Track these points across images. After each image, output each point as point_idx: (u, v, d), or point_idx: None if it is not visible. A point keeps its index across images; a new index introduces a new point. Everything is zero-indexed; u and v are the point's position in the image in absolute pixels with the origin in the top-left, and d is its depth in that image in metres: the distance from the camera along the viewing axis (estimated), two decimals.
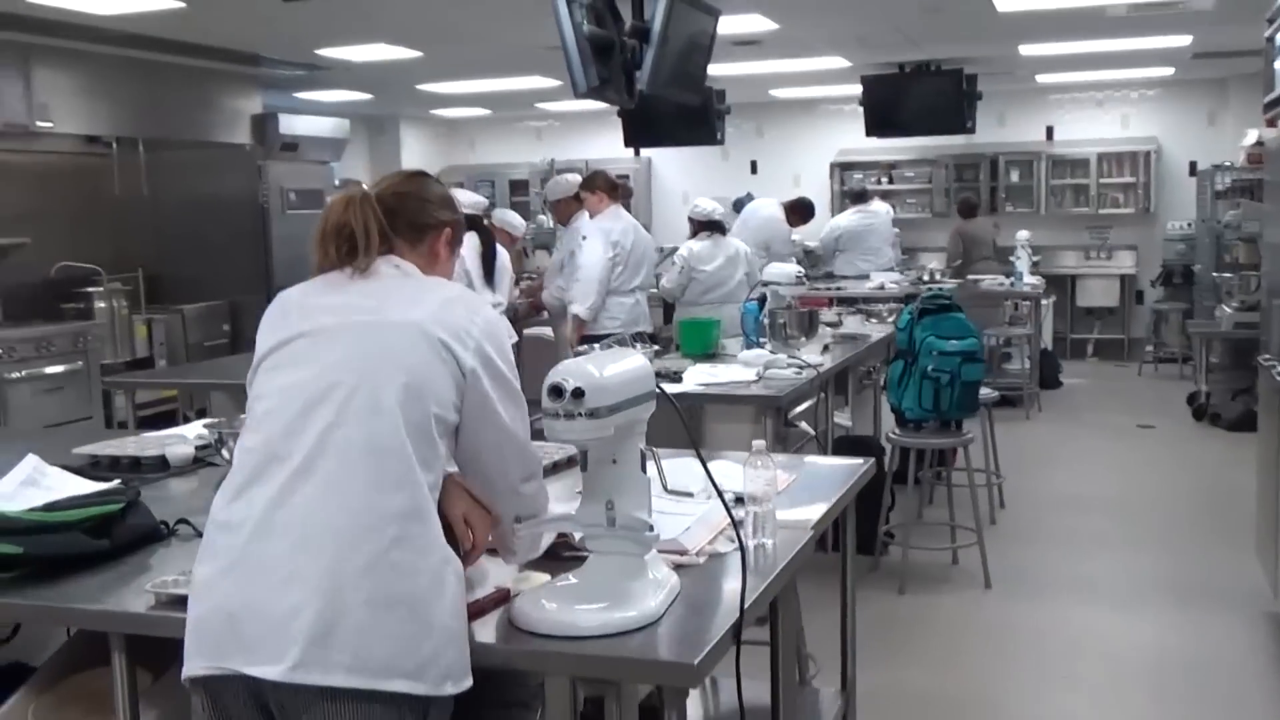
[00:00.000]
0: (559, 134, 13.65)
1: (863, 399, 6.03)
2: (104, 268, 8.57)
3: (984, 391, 5.84)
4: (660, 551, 2.27)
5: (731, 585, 2.17)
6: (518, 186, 13.38)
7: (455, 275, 5.98)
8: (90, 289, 8.43)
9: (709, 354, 5.43)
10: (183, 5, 6.43)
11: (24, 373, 7.52)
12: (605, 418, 1.98)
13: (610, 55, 5.73)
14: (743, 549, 2.17)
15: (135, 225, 9.38)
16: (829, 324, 6.65)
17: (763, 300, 5.38)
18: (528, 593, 2.09)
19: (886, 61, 9.64)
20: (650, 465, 2.15)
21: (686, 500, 2.50)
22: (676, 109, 10.26)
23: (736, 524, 2.20)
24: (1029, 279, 9.43)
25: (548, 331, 7.63)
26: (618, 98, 5.98)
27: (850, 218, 10.59)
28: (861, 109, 10.02)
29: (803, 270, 5.32)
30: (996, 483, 6.17)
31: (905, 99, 9.82)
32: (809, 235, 12.17)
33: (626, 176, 13.13)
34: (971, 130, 9.99)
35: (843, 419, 5.67)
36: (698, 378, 4.69)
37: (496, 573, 2.24)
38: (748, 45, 8.51)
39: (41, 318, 8.17)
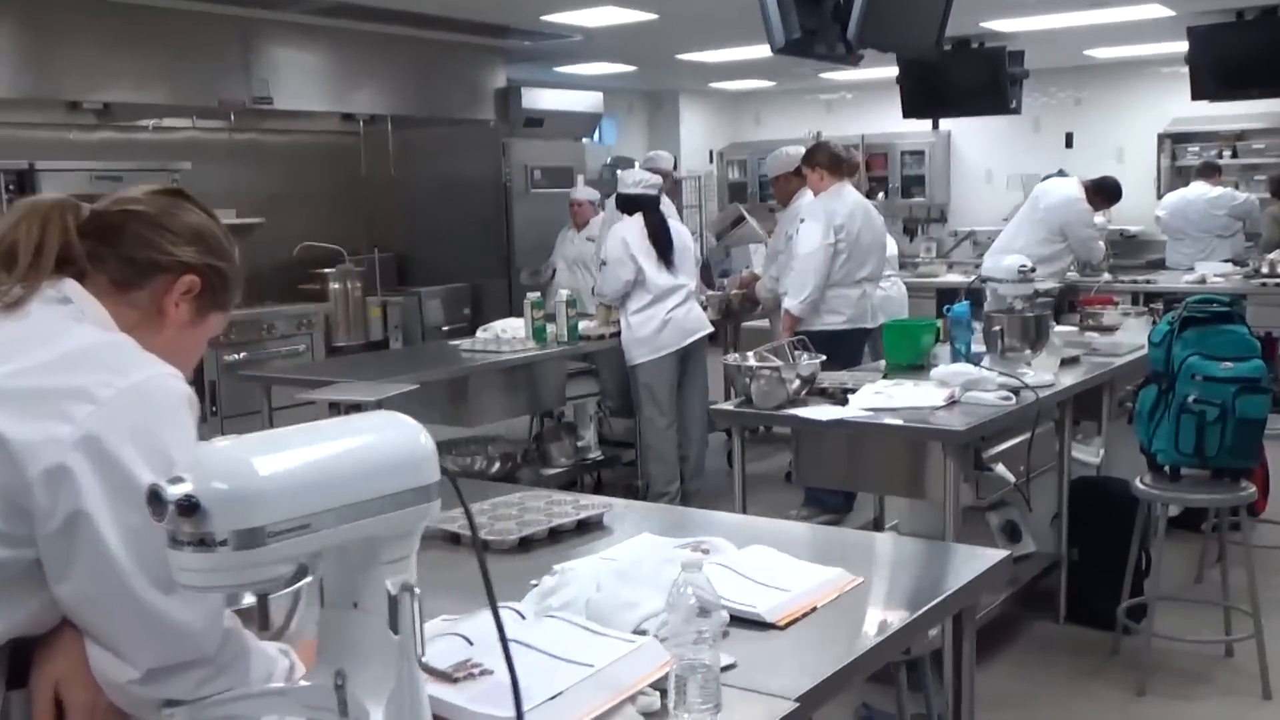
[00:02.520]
0: (851, 106, 12.55)
1: (1123, 428, 4.74)
2: (350, 249, 8.38)
3: None
4: None
5: None
6: None
7: (618, 261, 5.28)
8: (326, 270, 8.25)
9: (919, 365, 4.39)
10: None
11: (242, 355, 7.37)
12: (267, 546, 1.12)
13: (819, 1, 4.79)
14: None
15: (383, 206, 9.20)
16: (1105, 328, 5.41)
17: (979, 299, 4.27)
18: None
19: (1220, 9, 7.99)
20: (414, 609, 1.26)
21: (592, 637, 1.60)
22: (963, 74, 9.07)
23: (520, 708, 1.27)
24: None
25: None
26: (828, 52, 4.98)
27: (1168, 199, 9.05)
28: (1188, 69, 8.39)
29: (1030, 264, 4.14)
30: None
31: (1245, 53, 8.09)
32: (1130, 219, 10.61)
33: (916, 152, 11.90)
34: None
35: (1086, 455, 4.44)
36: (867, 399, 3.68)
37: None
38: None
39: (278, 299, 8.05)
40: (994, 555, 2.19)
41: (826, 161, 5.60)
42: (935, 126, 11.89)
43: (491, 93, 8.82)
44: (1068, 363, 4.45)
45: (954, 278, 9.72)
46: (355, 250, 8.53)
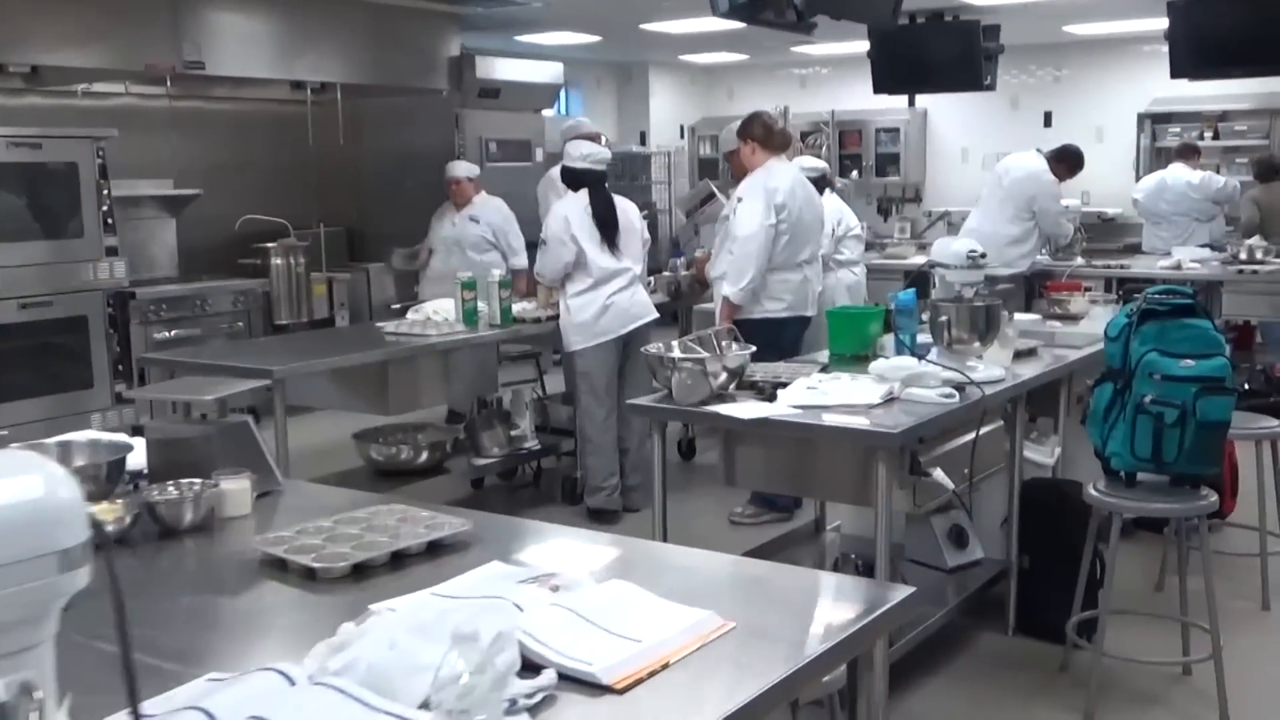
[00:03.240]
0: (826, 81, 12.22)
1: (1082, 427, 4.44)
2: (297, 223, 8.04)
3: (1265, 425, 4.19)
4: None
5: None
6: None
7: (559, 240, 4.97)
8: (268, 245, 7.91)
9: (865, 356, 4.08)
10: None
11: (173, 333, 7.04)
12: None
13: None
14: None
15: (332, 178, 8.87)
16: (1070, 316, 5.13)
17: (926, 286, 3.96)
18: None
19: None
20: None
21: (364, 714, 1.29)
22: (935, 48, 8.75)
23: None
24: None
25: None
26: (776, 18, 4.69)
27: (1146, 181, 8.77)
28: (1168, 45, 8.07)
29: (979, 250, 3.82)
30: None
31: (1227, 30, 7.77)
32: (1107, 201, 10.34)
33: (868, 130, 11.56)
34: None
35: (1040, 455, 4.13)
36: (797, 396, 3.37)
37: None
38: None
39: (217, 275, 7.72)
40: (899, 592, 1.89)
41: (760, 134, 5.27)
42: (911, 103, 11.58)
43: (445, 61, 8.45)
44: (1024, 355, 4.16)
45: (921, 259, 9.39)
46: (304, 224, 8.20)
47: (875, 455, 3.11)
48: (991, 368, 3.73)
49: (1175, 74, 8.12)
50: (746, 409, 3.29)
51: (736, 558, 2.11)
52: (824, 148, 11.17)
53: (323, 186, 8.88)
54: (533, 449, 5.56)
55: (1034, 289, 7.18)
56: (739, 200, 5.12)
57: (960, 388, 3.49)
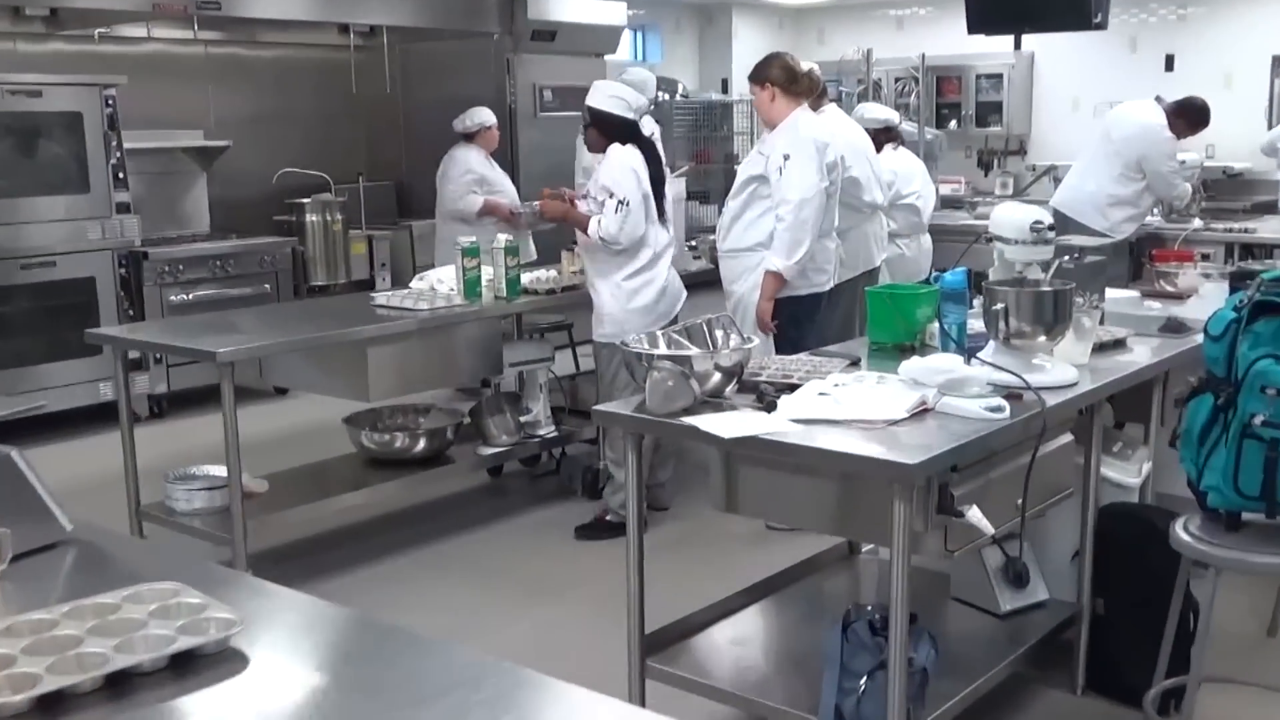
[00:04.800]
0: (925, 24, 11.24)
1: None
2: (340, 178, 7.52)
3: None
4: None
5: None
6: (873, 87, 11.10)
7: (640, 201, 3.89)
8: (303, 201, 7.40)
9: (910, 347, 3.38)
10: None
11: (190, 296, 6.57)
12: None
13: None
14: None
15: (378, 129, 8.34)
16: (1176, 295, 4.34)
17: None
18: None
19: None
20: None
21: None
22: None
23: None
24: None
25: None
26: None
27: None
28: None
29: (1046, 220, 3.06)
30: None
31: None
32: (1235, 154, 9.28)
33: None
34: None
35: (1123, 475, 3.36)
36: (803, 405, 2.68)
37: None
38: None
39: (253, 233, 7.21)
40: None
41: (780, 78, 4.49)
42: (1017, 46, 10.57)
43: (494, 1, 7.79)
44: (1109, 348, 3.40)
45: None
46: (348, 179, 7.70)
47: (891, 490, 2.41)
48: (1061, 368, 2.99)
49: None
50: (730, 423, 2.61)
51: (595, 696, 1.43)
52: (913, 95, 10.24)
53: (370, 138, 8.36)
54: (547, 436, 4.92)
55: (1142, 256, 6.31)
56: (785, 158, 4.37)
57: (1016, 396, 2.77)
